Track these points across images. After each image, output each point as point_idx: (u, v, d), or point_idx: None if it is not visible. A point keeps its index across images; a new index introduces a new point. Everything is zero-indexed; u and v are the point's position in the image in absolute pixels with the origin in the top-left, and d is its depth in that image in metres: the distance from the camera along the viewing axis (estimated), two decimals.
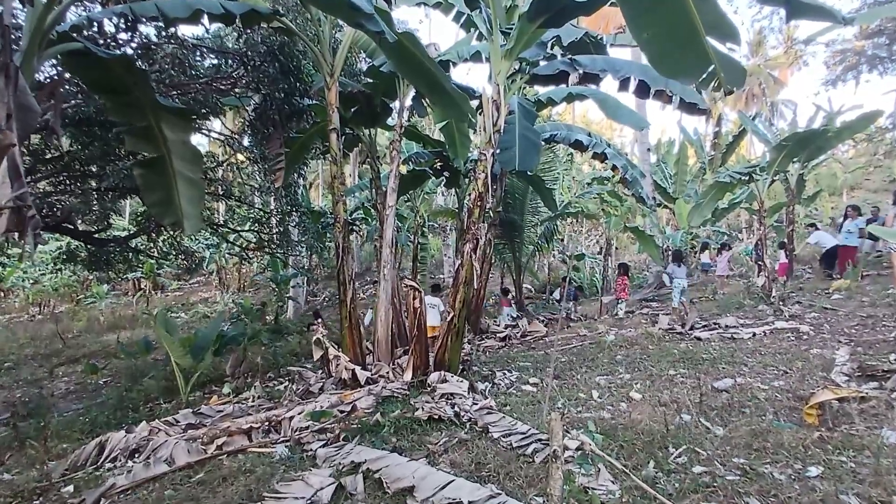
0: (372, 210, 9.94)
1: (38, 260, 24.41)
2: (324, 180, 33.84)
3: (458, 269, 6.03)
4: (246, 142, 11.45)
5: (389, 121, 10.33)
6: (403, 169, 10.63)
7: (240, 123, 12.16)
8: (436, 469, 3.63)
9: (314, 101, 9.15)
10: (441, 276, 23.20)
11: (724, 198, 11.70)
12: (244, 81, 8.63)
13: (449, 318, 6.05)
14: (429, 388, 5.85)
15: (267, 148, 9.53)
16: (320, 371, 7.65)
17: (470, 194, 6.02)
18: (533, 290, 18.81)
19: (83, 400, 11.24)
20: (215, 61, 9.64)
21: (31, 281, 24.32)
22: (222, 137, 12.52)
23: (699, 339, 7.02)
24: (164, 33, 8.12)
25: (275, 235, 14.85)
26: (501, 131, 5.99)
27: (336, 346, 7.35)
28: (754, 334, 6.86)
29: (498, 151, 6.90)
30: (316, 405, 5.81)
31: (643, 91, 6.28)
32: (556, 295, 12.20)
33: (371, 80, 8.56)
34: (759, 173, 9.88)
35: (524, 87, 9.40)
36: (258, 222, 14.45)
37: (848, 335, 6.53)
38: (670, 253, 12.24)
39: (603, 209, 10.84)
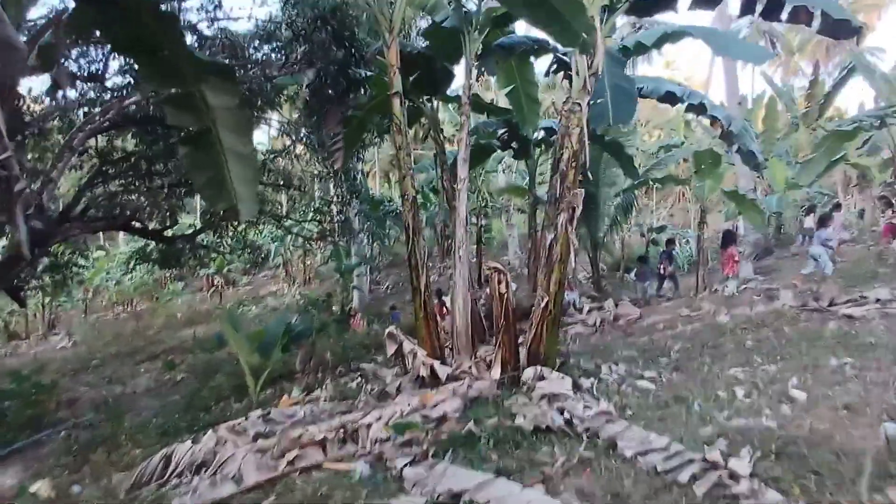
0: (437, 190, 9.18)
1: (117, 260, 25.50)
2: (380, 168, 33.45)
3: (552, 244, 5.08)
4: (303, 130, 10.94)
5: (451, 90, 9.50)
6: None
7: (296, 113, 11.69)
8: (559, 502, 2.76)
9: (371, 73, 8.38)
10: (506, 257, 22.22)
11: (840, 151, 10.01)
12: (296, 55, 7.97)
13: (544, 303, 5.12)
14: (524, 387, 4.99)
15: (324, 127, 8.88)
16: (395, 367, 6.95)
17: (561, 155, 5.03)
18: (605, 268, 17.50)
19: (161, 396, 11.31)
20: (266, 44, 9.09)
21: (115, 281, 25.39)
22: (280, 127, 12.12)
23: (851, 317, 5.73)
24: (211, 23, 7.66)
25: (336, 224, 14.43)
26: (599, 73, 4.94)
27: (411, 339, 6.62)
28: None
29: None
30: (395, 409, 5.07)
31: (773, 11, 5.04)
32: (633, 275, 10.92)
33: (430, 42, 7.69)
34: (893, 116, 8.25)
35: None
36: (319, 212, 14.05)
37: None
38: (814, 215, 10.59)
39: (695, 172, 9.49)
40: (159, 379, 13.27)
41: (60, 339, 21.18)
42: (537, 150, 11.14)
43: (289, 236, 18.79)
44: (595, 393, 4.71)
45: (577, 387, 4.73)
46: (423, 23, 8.78)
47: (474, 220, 13.42)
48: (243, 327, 10.97)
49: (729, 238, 9.13)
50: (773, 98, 16.55)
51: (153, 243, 11.91)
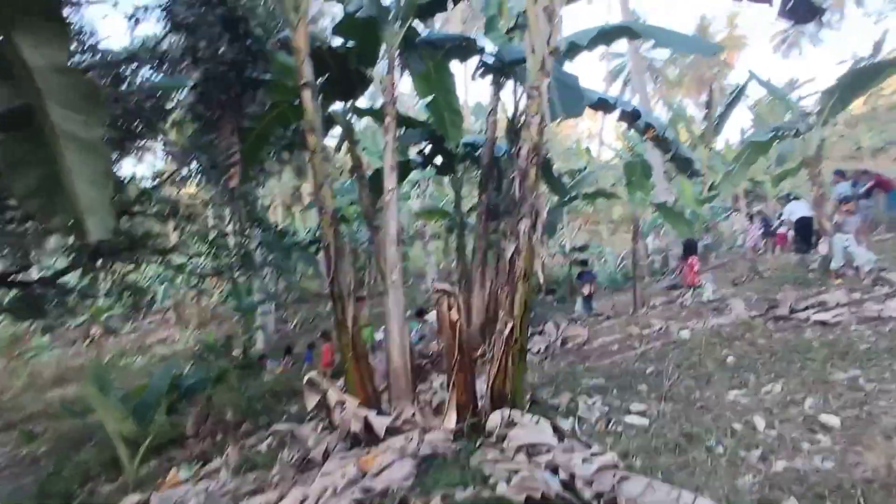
0: (357, 206, 8.12)
1: None
2: (282, 201, 31.51)
3: (514, 257, 4.14)
4: (190, 147, 9.43)
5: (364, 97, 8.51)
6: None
7: (183, 137, 10.17)
8: None
9: (268, 77, 7.19)
10: (423, 286, 21.28)
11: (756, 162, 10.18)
12: (178, 52, 6.62)
13: (508, 330, 4.15)
14: (490, 438, 3.95)
15: (217, 139, 7.51)
16: (317, 422, 5.64)
17: (520, 148, 4.16)
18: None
19: (13, 479, 9.07)
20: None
21: None
22: (164, 146, 10.49)
23: (825, 323, 5.33)
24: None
25: (235, 258, 12.76)
26: (561, 50, 4.18)
27: (336, 386, 5.37)
28: None
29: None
30: (324, 482, 3.82)
31: None
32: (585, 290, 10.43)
33: (344, 37, 6.69)
34: (808, 123, 8.40)
35: None
36: (214, 245, 12.33)
37: None
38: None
39: (627, 184, 9.20)
40: (14, 455, 10.89)
41: None
42: (461, 166, 10.36)
43: (178, 275, 16.66)
44: (579, 436, 3.77)
45: (557, 431, 3.76)
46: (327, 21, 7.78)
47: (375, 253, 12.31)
48: (124, 384, 8.99)
49: (690, 248, 8.78)
50: (673, 119, 17.25)
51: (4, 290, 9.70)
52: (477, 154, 9.89)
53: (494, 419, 4.05)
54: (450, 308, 4.37)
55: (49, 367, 20.11)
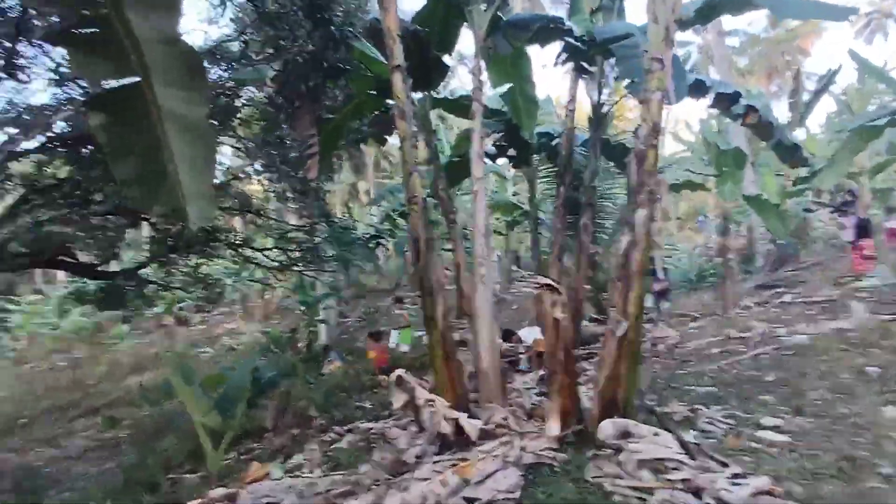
0: (434, 199, 7.92)
1: (54, 303, 23.03)
2: (340, 197, 31.96)
3: (629, 250, 3.75)
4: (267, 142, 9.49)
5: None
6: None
7: (252, 132, 10.27)
8: None
9: (349, 68, 7.04)
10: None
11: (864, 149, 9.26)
12: (261, 40, 6.56)
13: (621, 331, 3.77)
14: (602, 449, 3.59)
15: (295, 130, 7.45)
16: (401, 419, 5.44)
17: (639, 127, 3.76)
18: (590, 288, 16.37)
19: (99, 461, 9.44)
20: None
21: (51, 327, 22.78)
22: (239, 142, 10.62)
23: None
24: None
25: (305, 253, 12.85)
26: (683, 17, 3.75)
27: (424, 385, 5.13)
28: None
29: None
30: (421, 489, 3.58)
31: None
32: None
33: (424, 23, 6.45)
34: None
35: None
36: (283, 238, 12.47)
37: None
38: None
39: (717, 176, 8.57)
40: (98, 438, 11.36)
41: None
42: (536, 157, 9.96)
43: (246, 269, 17.08)
44: (712, 454, 3.34)
45: (684, 446, 3.36)
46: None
47: (450, 246, 11.82)
48: (198, 375, 9.16)
49: (864, 229, 7.80)
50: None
51: (90, 282, 10.12)
52: (553, 144, 9.47)
53: (606, 428, 3.68)
54: (553, 305, 4.03)
55: (127, 355, 21.15)
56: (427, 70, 6.84)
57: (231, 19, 6.98)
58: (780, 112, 18.65)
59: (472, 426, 4.42)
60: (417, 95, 7.03)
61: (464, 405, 4.84)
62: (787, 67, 43.18)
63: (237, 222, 14.09)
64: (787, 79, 42.05)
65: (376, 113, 7.71)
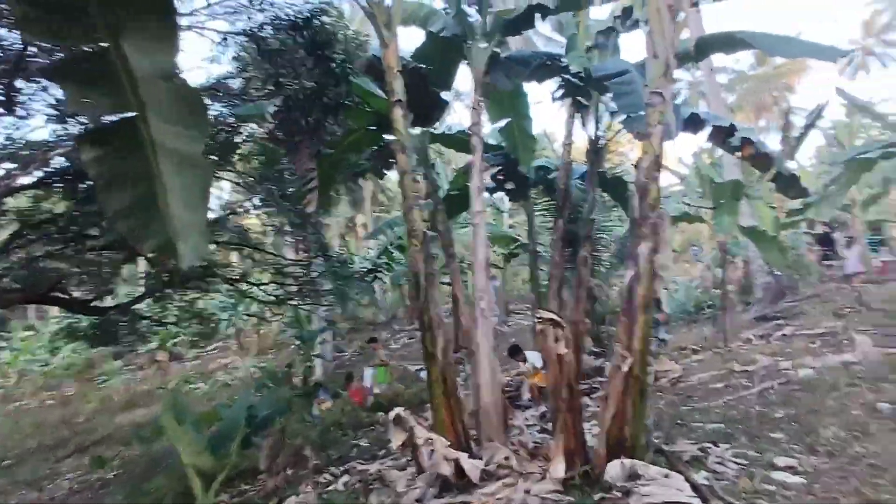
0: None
1: (45, 339, 22.67)
2: (338, 231, 31.96)
3: (632, 284, 3.70)
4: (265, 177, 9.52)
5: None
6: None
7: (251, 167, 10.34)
8: None
9: (348, 103, 7.11)
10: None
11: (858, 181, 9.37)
12: (262, 77, 6.63)
13: (626, 367, 3.68)
14: (611, 490, 3.44)
15: (295, 164, 7.49)
16: (399, 459, 5.26)
17: (640, 160, 3.76)
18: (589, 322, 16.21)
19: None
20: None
21: (42, 363, 22.35)
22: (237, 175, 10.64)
23: None
24: None
25: (300, 286, 12.75)
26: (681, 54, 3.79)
27: (423, 423, 4.98)
28: None
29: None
30: None
31: None
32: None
33: (424, 59, 6.55)
34: None
35: None
36: (280, 272, 12.38)
37: None
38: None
39: (715, 207, 8.62)
40: (85, 480, 10.97)
41: None
42: (533, 191, 10.01)
43: (241, 303, 16.92)
44: (726, 497, 3.20)
45: (696, 489, 3.22)
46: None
47: (447, 279, 11.70)
48: (191, 412, 8.92)
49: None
50: None
51: (83, 318, 9.94)
52: (550, 178, 9.53)
53: (614, 469, 3.54)
54: (556, 340, 3.94)
55: (118, 391, 20.69)
56: (426, 106, 6.91)
57: (234, 57, 7.07)
58: (771, 146, 18.92)
59: (473, 467, 4.27)
60: (416, 130, 7.09)
61: (464, 444, 4.70)
62: (775, 103, 44.08)
63: (234, 256, 14.02)
64: (774, 114, 42.88)
65: (375, 147, 7.76)
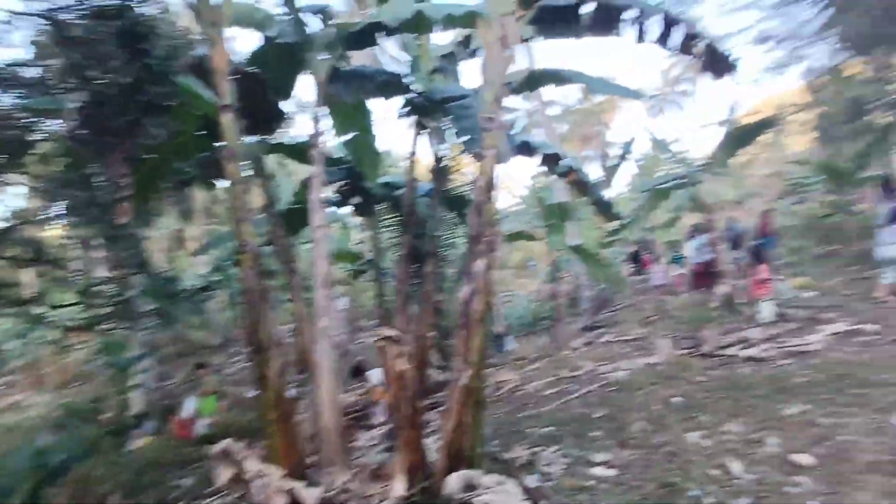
0: (272, 247, 7.44)
1: None
2: (165, 245, 28.75)
3: (469, 299, 3.80)
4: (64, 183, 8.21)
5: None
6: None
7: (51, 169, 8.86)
8: None
9: (170, 104, 6.42)
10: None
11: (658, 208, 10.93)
12: (61, 69, 5.70)
13: (464, 380, 3.75)
14: (451, 503, 3.47)
15: (100, 170, 6.56)
16: (226, 496, 4.78)
17: (476, 180, 3.90)
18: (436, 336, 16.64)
19: None
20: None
21: None
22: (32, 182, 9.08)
23: (754, 359, 5.53)
24: None
25: (112, 308, 11.16)
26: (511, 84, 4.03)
27: (254, 453, 4.57)
28: (822, 344, 5.52)
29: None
30: None
31: (665, 38, 4.83)
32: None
33: (260, 66, 6.18)
34: (704, 173, 9.13)
35: None
36: (86, 293, 10.71)
37: None
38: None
39: (547, 226, 9.44)
40: None
41: None
42: (380, 207, 9.97)
43: (36, 328, 14.33)
44: (552, 495, 3.40)
45: (528, 493, 3.38)
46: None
47: (289, 297, 11.05)
48: None
49: (758, 255, 8.13)
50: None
51: None
52: (396, 194, 9.60)
53: (452, 482, 3.57)
54: (397, 356, 3.90)
55: None
56: (263, 113, 6.52)
57: (32, 42, 6.01)
58: (592, 174, 21.37)
59: (310, 496, 4.01)
60: (253, 139, 6.66)
61: (302, 472, 4.41)
62: (596, 136, 49.96)
63: (29, 275, 11.87)
64: (595, 145, 48.55)
65: (204, 154, 7.10)
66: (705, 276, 10.49)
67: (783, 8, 8.91)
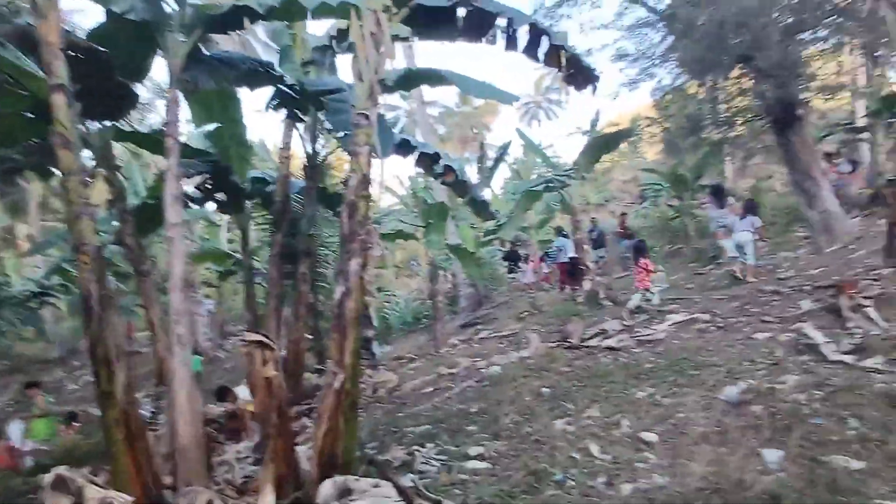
0: (121, 246, 6.56)
1: None
2: None
3: (343, 299, 3.67)
4: None
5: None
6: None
7: None
8: None
9: None
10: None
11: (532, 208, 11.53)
12: None
13: (338, 383, 3.61)
14: None
15: None
16: None
17: (348, 180, 3.78)
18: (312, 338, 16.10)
19: None
20: None
21: None
22: None
23: (612, 348, 5.99)
24: None
25: None
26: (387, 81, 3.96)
27: (93, 478, 4.03)
28: (666, 333, 6.15)
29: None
30: None
31: (532, 49, 5.05)
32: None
33: (105, 43, 5.49)
34: (571, 177, 9.80)
35: None
36: None
37: (759, 313, 6.22)
38: (742, 203, 10.05)
39: (425, 227, 9.52)
40: None
41: None
42: (250, 203, 9.35)
43: None
44: (424, 493, 3.40)
45: (403, 494, 3.34)
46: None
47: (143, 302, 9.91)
48: None
49: (640, 250, 8.72)
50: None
51: None
52: (267, 190, 9.09)
53: (326, 489, 3.42)
54: (264, 362, 3.66)
55: None
56: (109, 96, 5.80)
57: None
58: (471, 175, 22.05)
59: None
60: (96, 125, 5.90)
61: (155, 495, 3.98)
62: (475, 138, 51.50)
63: None
64: (474, 147, 50.07)
65: (35, 140, 6.15)
66: (571, 273, 11.27)
67: (637, 29, 9.81)
